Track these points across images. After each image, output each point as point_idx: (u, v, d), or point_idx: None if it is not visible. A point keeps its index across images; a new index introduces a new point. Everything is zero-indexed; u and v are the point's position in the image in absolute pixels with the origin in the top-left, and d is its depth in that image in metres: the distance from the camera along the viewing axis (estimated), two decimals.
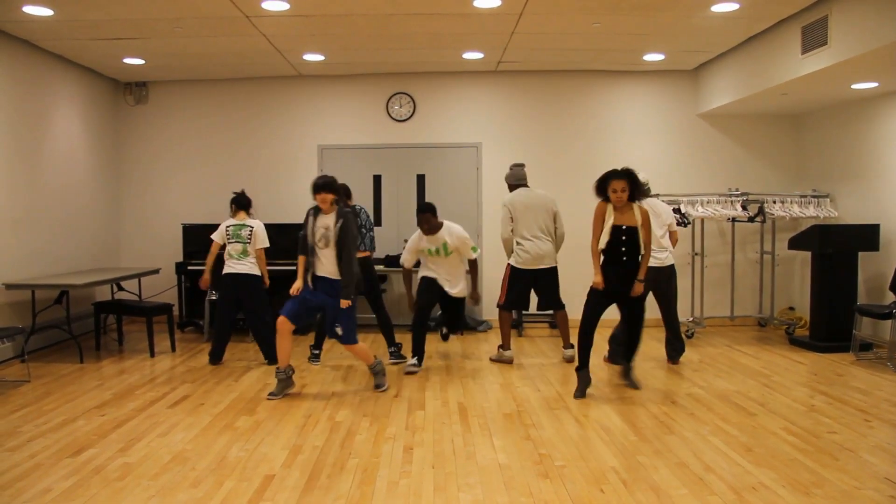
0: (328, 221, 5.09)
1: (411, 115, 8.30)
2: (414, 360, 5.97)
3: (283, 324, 5.09)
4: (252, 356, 6.55)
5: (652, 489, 3.43)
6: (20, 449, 4.03)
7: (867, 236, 6.64)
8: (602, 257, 5.10)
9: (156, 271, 7.62)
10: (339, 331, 5.14)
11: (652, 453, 3.92)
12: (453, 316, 6.24)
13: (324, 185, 5.06)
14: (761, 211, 7.40)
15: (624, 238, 5.02)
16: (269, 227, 7.28)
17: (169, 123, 8.42)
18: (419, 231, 6.03)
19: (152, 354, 6.58)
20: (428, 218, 5.93)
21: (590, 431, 4.33)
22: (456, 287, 6.05)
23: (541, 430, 4.35)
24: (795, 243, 7.00)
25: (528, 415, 4.69)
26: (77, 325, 6.94)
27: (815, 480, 3.52)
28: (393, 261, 7.70)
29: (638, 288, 5.07)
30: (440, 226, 5.96)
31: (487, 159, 8.28)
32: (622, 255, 5.03)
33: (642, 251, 5.07)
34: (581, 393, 5.13)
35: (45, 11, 5.70)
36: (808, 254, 7.05)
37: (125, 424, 4.50)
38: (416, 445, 4.08)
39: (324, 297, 5.13)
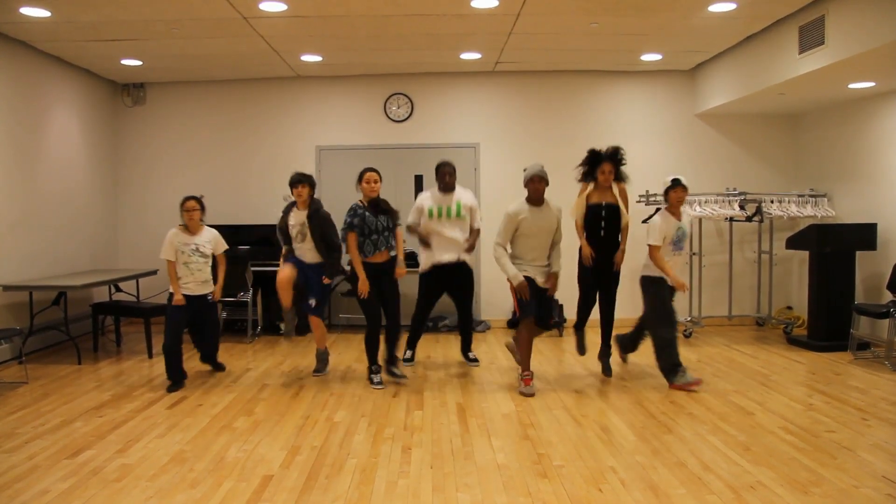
0: (301, 218, 5.61)
1: (409, 116, 8.31)
2: (408, 354, 6.18)
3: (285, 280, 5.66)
4: (250, 356, 6.55)
5: (650, 488, 3.43)
6: (18, 450, 4.03)
7: (865, 236, 6.64)
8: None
9: (154, 272, 7.61)
10: (312, 303, 5.62)
11: (650, 453, 3.93)
12: (464, 303, 6.10)
13: (298, 180, 5.63)
14: (759, 210, 7.40)
15: (604, 214, 5.44)
16: (266, 227, 7.31)
17: (167, 125, 8.42)
18: (429, 191, 5.99)
19: (150, 355, 6.58)
20: (452, 171, 5.90)
21: (588, 431, 4.33)
22: (463, 251, 5.88)
23: (539, 430, 4.35)
24: (793, 243, 7.00)
25: (526, 415, 4.69)
26: (75, 327, 6.93)
27: (813, 479, 3.52)
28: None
29: (619, 258, 5.53)
30: (454, 187, 5.95)
31: (485, 160, 8.28)
32: (601, 229, 5.47)
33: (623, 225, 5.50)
34: (582, 349, 5.79)
35: (43, 13, 5.70)
36: (806, 253, 7.05)
37: (123, 425, 4.49)
38: (414, 446, 4.08)
39: (309, 273, 5.65)
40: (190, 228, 5.58)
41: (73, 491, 3.44)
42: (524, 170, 5.34)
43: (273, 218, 7.85)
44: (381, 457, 3.90)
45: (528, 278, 5.19)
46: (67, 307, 6.57)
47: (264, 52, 7.06)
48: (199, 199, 5.62)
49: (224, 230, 7.85)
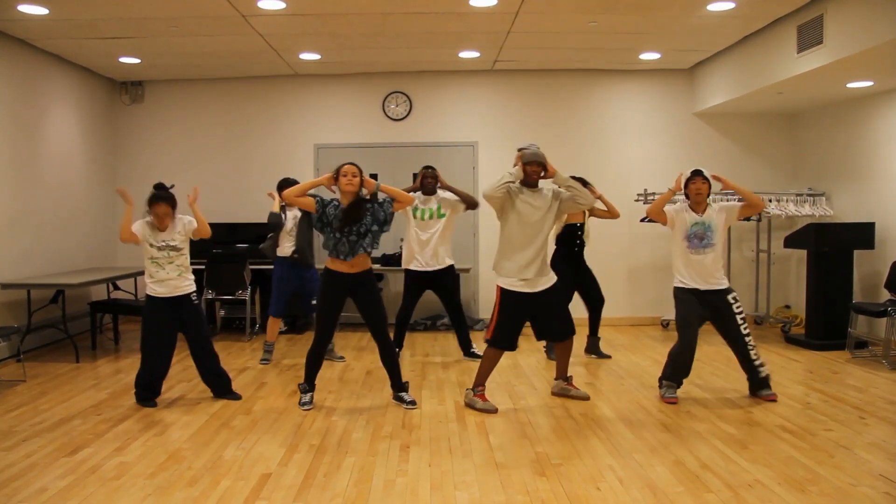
0: (295, 212, 6.14)
1: (407, 114, 8.30)
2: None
3: (274, 322, 6.26)
4: (248, 354, 6.55)
5: (648, 487, 3.43)
6: (16, 448, 4.02)
7: (862, 235, 6.65)
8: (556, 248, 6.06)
9: None
10: (314, 302, 5.72)
11: (648, 451, 3.93)
12: (452, 304, 6.21)
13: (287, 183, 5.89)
14: None
15: (580, 232, 6.09)
16: (264, 226, 7.25)
17: (165, 123, 8.41)
18: (415, 194, 6.08)
19: None
20: (434, 173, 6.09)
21: (586, 429, 4.34)
22: (442, 259, 6.09)
23: (537, 429, 4.36)
24: (791, 242, 7.01)
25: (524, 413, 4.69)
26: (73, 325, 6.91)
27: (810, 477, 3.53)
28: (389, 260, 7.70)
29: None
30: (435, 191, 6.12)
31: (483, 158, 8.28)
32: (576, 246, 6.10)
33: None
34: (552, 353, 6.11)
35: (41, 10, 5.69)
36: (804, 252, 7.06)
37: (121, 424, 4.49)
38: (412, 444, 4.08)
39: (298, 280, 6.16)
40: (159, 228, 4.85)
41: (72, 489, 3.44)
42: (519, 149, 4.92)
43: None
44: (380, 455, 3.90)
45: (520, 294, 4.65)
46: (65, 305, 6.57)
47: (263, 51, 7.05)
48: (169, 201, 4.79)
49: (222, 228, 7.91)
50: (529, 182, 4.81)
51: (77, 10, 5.75)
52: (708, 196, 4.91)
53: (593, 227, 6.37)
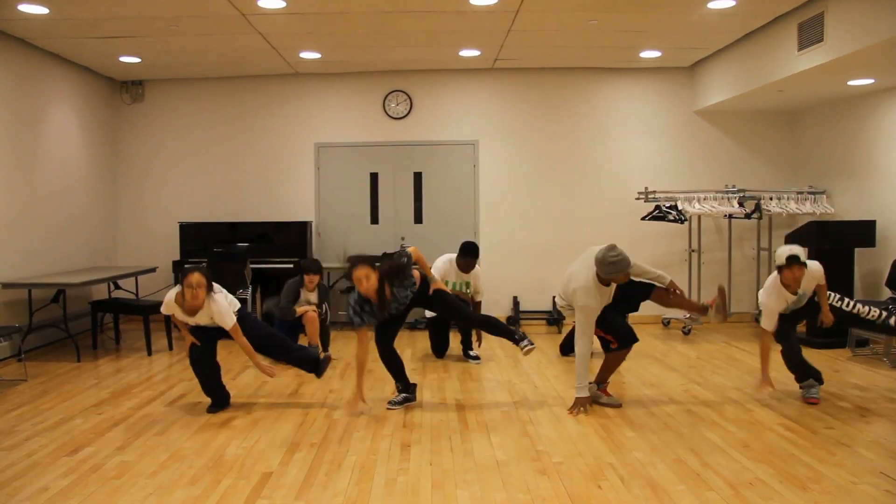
0: (311, 298, 6.18)
1: (408, 113, 8.30)
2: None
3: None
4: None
5: (649, 485, 3.43)
6: (17, 448, 4.03)
7: (863, 232, 6.65)
8: None
9: (152, 270, 7.61)
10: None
11: (649, 449, 3.93)
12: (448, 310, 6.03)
13: (316, 268, 6.13)
14: (758, 208, 7.40)
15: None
16: (265, 225, 7.30)
17: (165, 122, 8.41)
18: (452, 264, 6.13)
19: (149, 353, 6.58)
20: (473, 263, 6.12)
21: (587, 428, 4.34)
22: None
23: (538, 427, 4.36)
24: (792, 240, 6.96)
25: (525, 411, 4.70)
26: (74, 324, 6.93)
27: (811, 475, 3.53)
28: None
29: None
30: (474, 266, 6.18)
31: (484, 157, 8.28)
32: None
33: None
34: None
35: (41, 10, 5.69)
36: (805, 250, 7.04)
37: (122, 423, 4.50)
38: (413, 443, 4.09)
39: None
40: (188, 308, 4.54)
41: (73, 488, 3.45)
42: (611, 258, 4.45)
43: (271, 215, 7.96)
44: (381, 454, 3.91)
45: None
46: (66, 305, 6.57)
47: (263, 50, 7.05)
48: (205, 273, 4.51)
49: (223, 227, 7.94)
50: (605, 283, 4.64)
51: (77, 10, 5.75)
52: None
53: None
